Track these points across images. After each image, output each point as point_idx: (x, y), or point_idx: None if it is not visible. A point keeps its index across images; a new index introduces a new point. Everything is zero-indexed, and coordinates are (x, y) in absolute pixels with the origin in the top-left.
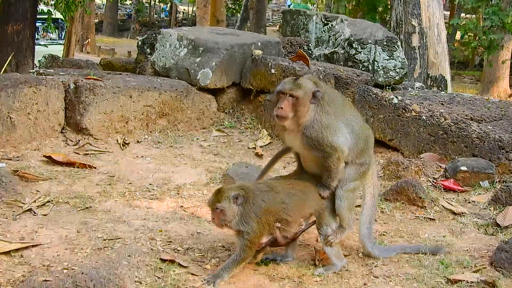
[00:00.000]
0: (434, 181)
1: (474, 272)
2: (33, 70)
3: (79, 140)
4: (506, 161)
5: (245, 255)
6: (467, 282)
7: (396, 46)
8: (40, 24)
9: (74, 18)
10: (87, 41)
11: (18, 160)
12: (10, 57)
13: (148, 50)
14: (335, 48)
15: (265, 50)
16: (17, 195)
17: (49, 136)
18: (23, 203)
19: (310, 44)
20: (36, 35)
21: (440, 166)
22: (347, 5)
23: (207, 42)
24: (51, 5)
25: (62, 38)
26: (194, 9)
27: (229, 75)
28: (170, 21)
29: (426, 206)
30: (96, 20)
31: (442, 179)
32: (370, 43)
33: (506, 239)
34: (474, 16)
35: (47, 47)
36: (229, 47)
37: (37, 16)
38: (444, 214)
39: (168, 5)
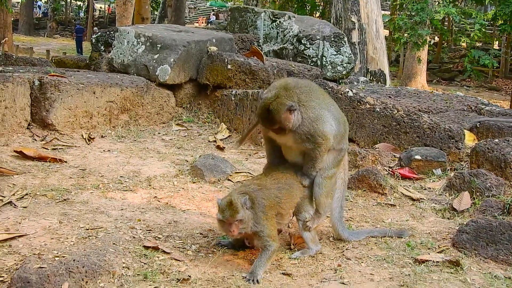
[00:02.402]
0: (390, 169)
1: (438, 252)
2: None
3: (46, 136)
4: (456, 150)
5: (273, 249)
6: (433, 261)
7: (343, 41)
8: None
9: None
10: (4, 40)
11: None
12: None
13: (102, 47)
14: (284, 44)
15: (220, 46)
16: None
17: (16, 132)
18: (2, 196)
19: (259, 41)
20: None
21: (394, 156)
22: (275, 2)
23: (165, 39)
24: None
25: None
26: (111, 7)
27: (186, 71)
28: (87, 19)
29: (387, 193)
30: (12, 19)
31: (398, 167)
32: (318, 39)
33: (465, 222)
34: (394, 13)
35: None
36: (186, 44)
37: None
38: (403, 200)
39: (85, 3)
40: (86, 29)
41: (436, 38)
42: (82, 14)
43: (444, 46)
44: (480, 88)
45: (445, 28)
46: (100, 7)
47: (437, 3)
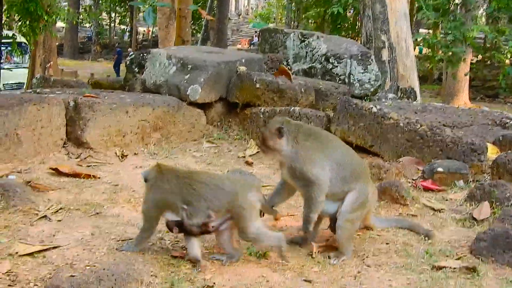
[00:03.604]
0: (413, 182)
1: (456, 259)
2: (30, 90)
3: (81, 154)
4: (478, 162)
5: None
6: (451, 268)
7: (370, 60)
8: (4, 48)
9: (38, 41)
10: (49, 64)
11: (26, 173)
12: None
13: (136, 69)
14: (313, 63)
15: (249, 66)
16: (31, 204)
17: (52, 151)
18: (38, 211)
19: (288, 60)
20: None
21: (418, 169)
22: (313, 22)
23: (195, 60)
24: (17, 28)
25: (26, 61)
26: (154, 30)
27: (216, 90)
28: (131, 42)
29: (408, 204)
30: (57, 43)
31: (421, 180)
32: (346, 57)
33: (484, 231)
34: (432, 31)
35: (11, 70)
36: (216, 64)
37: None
38: (424, 210)
39: (129, 27)
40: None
41: (480, 56)
42: (126, 38)
43: (487, 63)
44: None
45: (481, 45)
46: (144, 30)
47: (473, 20)
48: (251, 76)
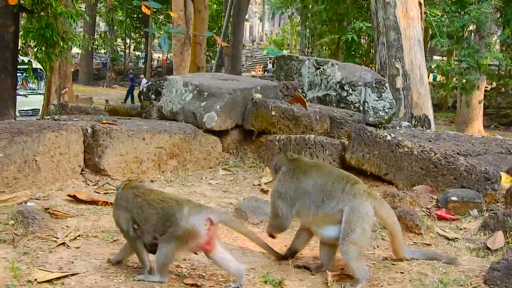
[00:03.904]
0: (427, 210)
1: None
2: (49, 117)
3: (98, 180)
4: (492, 191)
5: None
6: None
7: (384, 87)
8: (20, 74)
9: (53, 67)
10: (64, 90)
11: (45, 200)
12: None
13: (152, 96)
14: (328, 90)
15: (264, 93)
16: (49, 231)
17: (70, 177)
18: (56, 238)
19: (303, 87)
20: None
21: (432, 197)
22: (327, 49)
23: (211, 87)
24: (33, 54)
25: (41, 88)
26: (169, 56)
27: (232, 117)
28: (145, 69)
29: (423, 233)
30: (72, 69)
31: (435, 208)
32: (360, 85)
33: (498, 260)
34: (445, 58)
35: (27, 97)
36: (232, 92)
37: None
38: (439, 239)
39: (143, 53)
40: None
41: (493, 83)
42: (141, 64)
43: (501, 91)
44: None
45: (495, 73)
46: (158, 57)
47: (487, 47)
48: (266, 103)
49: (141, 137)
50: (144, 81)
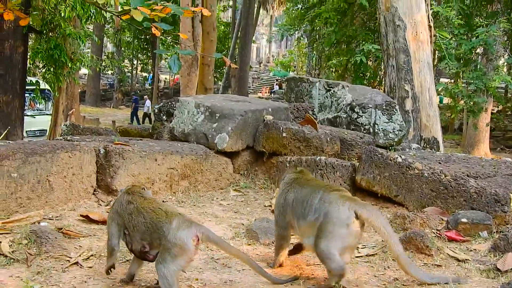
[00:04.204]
0: (438, 232)
1: None
2: (60, 138)
3: (110, 201)
4: (502, 213)
5: None
6: None
7: (394, 110)
8: (28, 95)
9: (61, 88)
10: (71, 111)
11: (58, 220)
12: (6, 130)
13: (164, 117)
14: (338, 112)
15: (275, 115)
16: (62, 250)
17: (83, 198)
18: (69, 257)
19: (314, 109)
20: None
21: (442, 219)
22: (335, 71)
23: (223, 108)
24: (41, 75)
25: (49, 108)
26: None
27: (243, 139)
28: (152, 90)
29: (433, 254)
30: (79, 90)
31: (445, 230)
32: (371, 107)
33: (508, 281)
34: (453, 81)
35: (34, 117)
36: (243, 113)
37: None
38: (449, 261)
39: (150, 75)
40: (152, 99)
41: (500, 106)
42: (147, 85)
43: (508, 113)
44: None
45: (502, 95)
46: (165, 78)
47: (494, 70)
48: (277, 125)
49: (153, 158)
50: (148, 102)
